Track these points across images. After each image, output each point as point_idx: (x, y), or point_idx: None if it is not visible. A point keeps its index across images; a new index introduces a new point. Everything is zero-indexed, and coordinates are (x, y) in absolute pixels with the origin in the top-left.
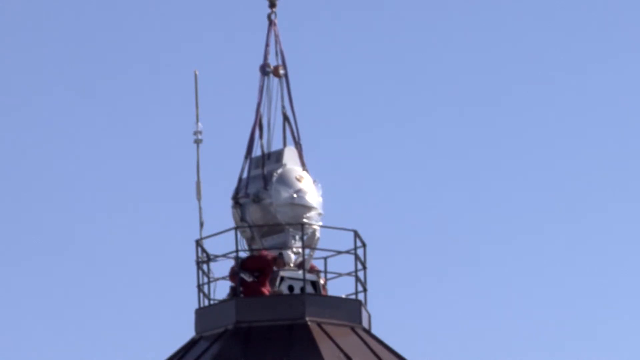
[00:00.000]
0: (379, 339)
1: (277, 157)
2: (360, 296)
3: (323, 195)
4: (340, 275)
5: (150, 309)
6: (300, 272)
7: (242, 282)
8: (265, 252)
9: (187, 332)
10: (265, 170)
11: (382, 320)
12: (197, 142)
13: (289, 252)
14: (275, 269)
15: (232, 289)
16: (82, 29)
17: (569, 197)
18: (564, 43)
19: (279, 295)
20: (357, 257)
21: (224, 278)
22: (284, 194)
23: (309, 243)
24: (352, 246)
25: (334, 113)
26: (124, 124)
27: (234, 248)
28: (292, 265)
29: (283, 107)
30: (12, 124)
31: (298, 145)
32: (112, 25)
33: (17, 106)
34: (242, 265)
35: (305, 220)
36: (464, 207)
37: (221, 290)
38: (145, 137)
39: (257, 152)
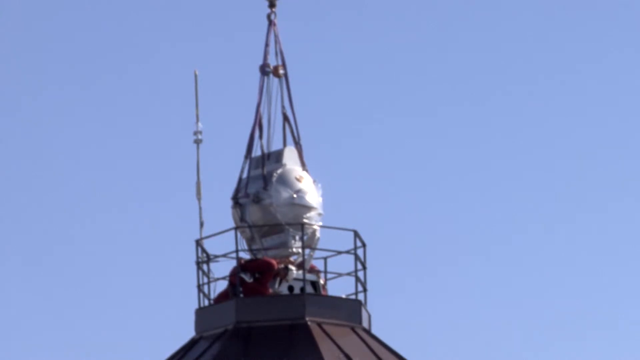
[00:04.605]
0: (379, 339)
1: (277, 157)
2: (360, 296)
3: (323, 195)
4: (340, 275)
5: (150, 309)
6: (300, 272)
7: (242, 282)
8: (273, 261)
9: (187, 332)
10: (265, 171)
11: (382, 320)
12: (197, 142)
13: (294, 270)
14: (277, 278)
15: (231, 287)
16: (82, 29)
17: (568, 197)
18: (563, 42)
19: (279, 295)
20: (357, 257)
21: (224, 278)
22: (284, 194)
23: (309, 243)
24: (352, 246)
25: (334, 113)
26: (124, 124)
27: (234, 248)
28: (289, 281)
29: (283, 107)
30: (11, 124)
31: (298, 145)
32: (112, 25)
33: (17, 106)
34: (243, 266)
35: (305, 220)
36: (464, 207)
37: (221, 290)
38: (145, 137)
39: (257, 152)
